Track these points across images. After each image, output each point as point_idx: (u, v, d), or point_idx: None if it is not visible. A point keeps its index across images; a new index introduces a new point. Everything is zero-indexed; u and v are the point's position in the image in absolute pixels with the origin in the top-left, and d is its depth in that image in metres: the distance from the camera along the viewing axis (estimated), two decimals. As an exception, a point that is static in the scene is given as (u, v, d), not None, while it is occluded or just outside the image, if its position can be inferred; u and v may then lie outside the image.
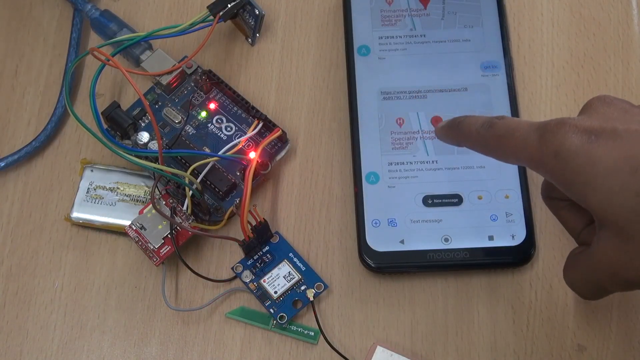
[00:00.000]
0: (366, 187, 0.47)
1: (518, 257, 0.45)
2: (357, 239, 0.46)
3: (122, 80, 0.51)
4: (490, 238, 0.45)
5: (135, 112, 0.48)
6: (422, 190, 0.46)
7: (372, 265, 0.45)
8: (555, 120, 0.35)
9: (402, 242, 0.45)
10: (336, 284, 0.46)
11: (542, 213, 0.47)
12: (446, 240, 0.45)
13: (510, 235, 0.45)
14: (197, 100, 0.49)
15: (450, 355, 0.45)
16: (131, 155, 0.44)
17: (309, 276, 0.46)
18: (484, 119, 0.39)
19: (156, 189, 0.45)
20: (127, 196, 0.47)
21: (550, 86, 0.50)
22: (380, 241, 0.45)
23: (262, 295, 0.45)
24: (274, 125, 0.47)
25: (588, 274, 0.37)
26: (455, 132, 0.41)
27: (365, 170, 0.47)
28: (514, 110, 0.48)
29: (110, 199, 0.47)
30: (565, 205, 0.41)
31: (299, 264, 0.46)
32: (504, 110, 0.48)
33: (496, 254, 0.45)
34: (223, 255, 0.47)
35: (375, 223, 0.46)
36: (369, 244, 0.45)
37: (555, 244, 0.47)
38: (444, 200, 0.46)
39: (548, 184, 0.41)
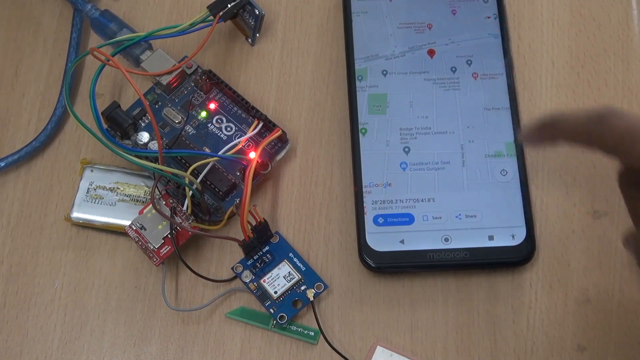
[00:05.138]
0: (366, 186, 0.47)
1: (518, 256, 0.45)
2: (357, 239, 0.46)
3: (122, 80, 0.51)
4: (490, 238, 0.45)
5: (135, 112, 0.48)
6: (423, 190, 0.46)
7: (373, 265, 0.45)
8: None
9: (402, 242, 0.45)
10: (336, 284, 0.46)
11: (543, 213, 0.47)
12: (446, 240, 0.45)
13: (510, 235, 0.45)
14: (197, 100, 0.49)
15: (450, 355, 0.45)
16: (131, 155, 0.44)
17: (309, 276, 0.46)
18: (588, 114, 0.37)
19: (156, 189, 0.45)
20: (127, 196, 0.47)
21: (550, 86, 0.50)
22: (380, 241, 0.45)
23: (262, 295, 0.45)
24: (274, 125, 0.47)
25: None
26: (553, 130, 0.39)
27: (365, 169, 0.47)
28: (514, 110, 0.48)
29: (110, 199, 0.47)
30: None
31: (299, 264, 0.46)
32: (507, 117, 0.48)
33: (496, 253, 0.45)
34: (223, 255, 0.47)
35: (375, 223, 0.46)
36: (369, 243, 0.45)
37: (555, 244, 0.47)
38: (444, 200, 0.46)
39: (634, 176, 0.39)
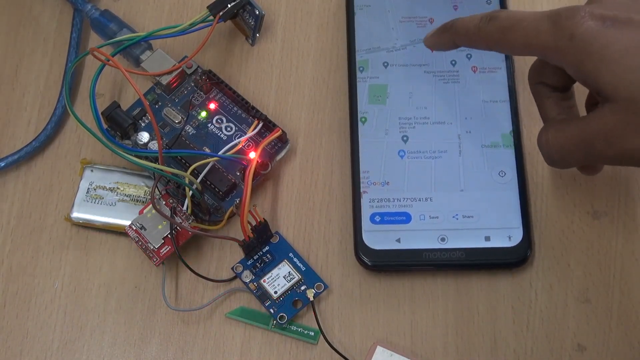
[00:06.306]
0: (364, 184, 0.47)
1: (513, 258, 0.45)
2: (353, 236, 0.46)
3: (122, 80, 0.51)
4: (487, 239, 0.45)
5: (135, 112, 0.48)
6: (420, 189, 0.46)
7: (368, 263, 0.45)
8: (568, 7, 0.38)
9: (398, 240, 0.45)
10: (336, 284, 0.46)
11: (542, 213, 0.47)
12: (442, 239, 0.45)
13: (507, 237, 0.45)
14: (197, 100, 0.49)
15: (450, 355, 0.45)
16: (131, 155, 0.44)
17: (309, 276, 0.46)
18: (481, 15, 0.41)
19: (156, 189, 0.45)
20: (127, 196, 0.47)
21: (551, 86, 0.50)
22: (376, 239, 0.45)
23: (262, 295, 0.45)
24: (274, 125, 0.47)
25: (578, 137, 0.39)
26: (450, 33, 0.43)
27: (364, 168, 0.47)
28: (514, 110, 0.48)
29: (110, 199, 0.47)
30: (550, 93, 0.43)
31: (299, 264, 0.46)
32: (505, 110, 0.48)
33: (492, 254, 0.45)
34: (223, 255, 0.47)
35: (372, 221, 0.46)
36: (365, 241, 0.45)
37: (555, 243, 0.46)
38: (441, 200, 0.46)
39: (540, 71, 0.43)
